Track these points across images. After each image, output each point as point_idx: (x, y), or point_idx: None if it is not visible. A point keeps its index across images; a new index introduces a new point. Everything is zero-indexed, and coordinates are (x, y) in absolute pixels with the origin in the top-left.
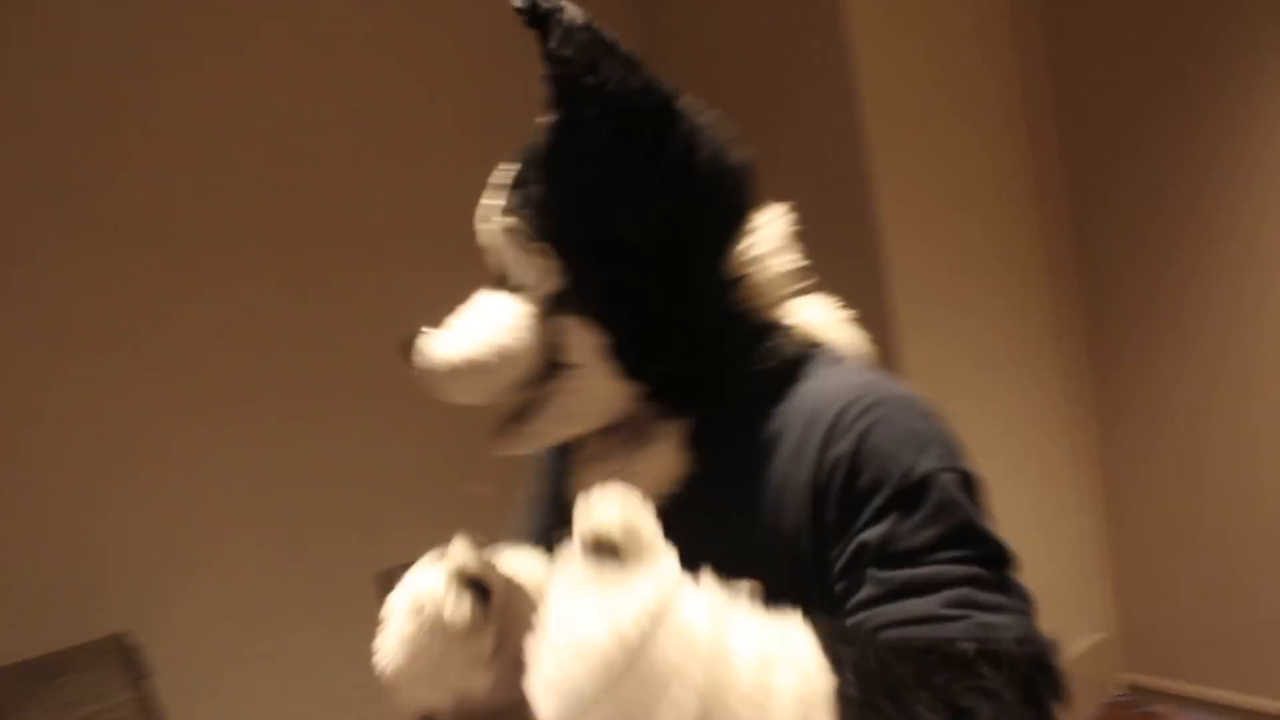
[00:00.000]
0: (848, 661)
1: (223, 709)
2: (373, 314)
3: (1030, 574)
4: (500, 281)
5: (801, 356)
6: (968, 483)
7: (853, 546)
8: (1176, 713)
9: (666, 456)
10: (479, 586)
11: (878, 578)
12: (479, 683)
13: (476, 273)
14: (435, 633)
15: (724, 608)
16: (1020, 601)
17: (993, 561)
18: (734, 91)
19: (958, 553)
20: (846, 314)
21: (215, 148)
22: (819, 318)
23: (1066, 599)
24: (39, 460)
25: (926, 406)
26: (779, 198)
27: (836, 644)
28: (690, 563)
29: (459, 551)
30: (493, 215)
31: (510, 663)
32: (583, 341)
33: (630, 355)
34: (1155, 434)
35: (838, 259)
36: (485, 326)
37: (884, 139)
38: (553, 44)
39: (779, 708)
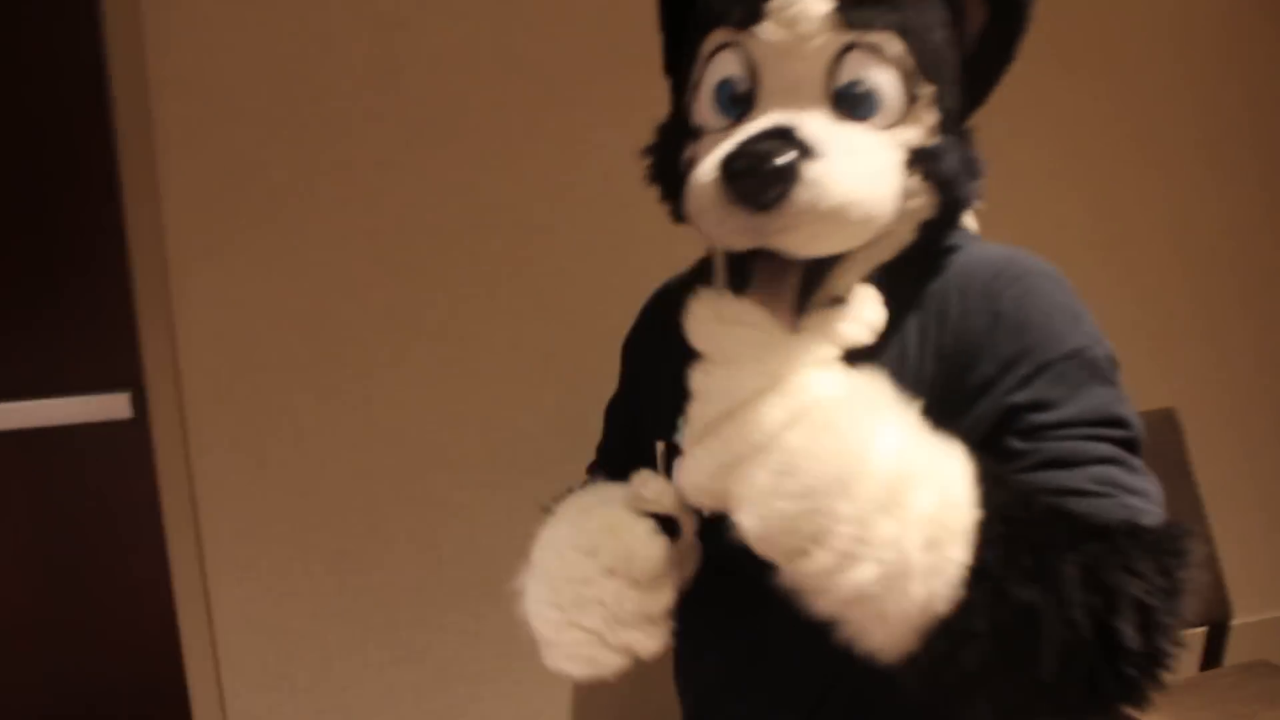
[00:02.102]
0: (998, 505)
1: None
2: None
3: None
4: (803, 99)
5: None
6: (1111, 362)
7: (997, 411)
8: None
9: (863, 318)
10: (670, 527)
11: (1019, 448)
12: (651, 643)
13: None
14: (616, 579)
15: (876, 411)
16: (1153, 487)
17: (1129, 445)
18: None
19: (1100, 430)
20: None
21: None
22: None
23: None
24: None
25: (1069, 284)
26: None
27: (990, 485)
28: None
29: (651, 484)
30: (859, 21)
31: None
32: (926, 207)
33: (941, 230)
34: None
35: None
36: (872, 163)
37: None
38: None
39: (909, 520)
